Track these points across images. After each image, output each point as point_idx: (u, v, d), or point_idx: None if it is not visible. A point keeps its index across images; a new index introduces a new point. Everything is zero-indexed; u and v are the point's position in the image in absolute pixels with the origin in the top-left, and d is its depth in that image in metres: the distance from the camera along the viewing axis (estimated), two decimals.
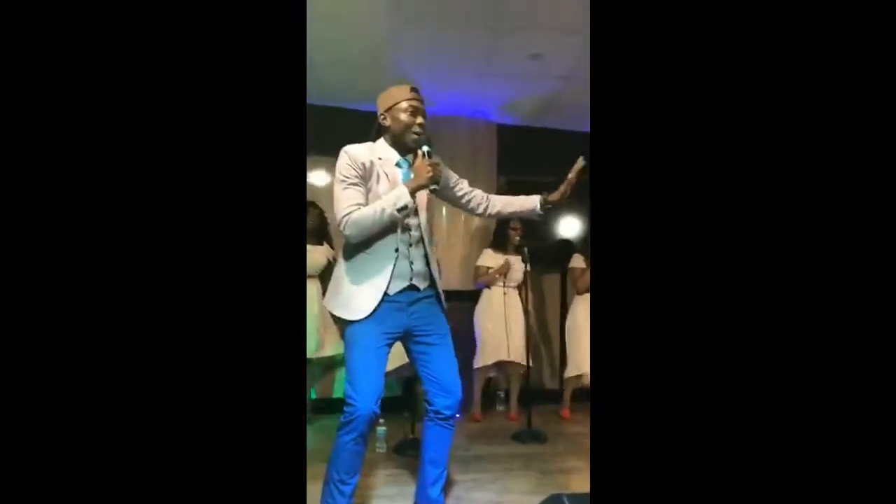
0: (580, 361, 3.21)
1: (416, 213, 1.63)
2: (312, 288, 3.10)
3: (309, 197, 3.34)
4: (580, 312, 3.25)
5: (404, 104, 1.63)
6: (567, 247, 3.62)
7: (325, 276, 3.14)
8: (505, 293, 3.23)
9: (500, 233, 3.32)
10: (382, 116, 1.66)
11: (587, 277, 3.25)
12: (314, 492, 1.56)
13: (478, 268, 3.31)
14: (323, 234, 3.19)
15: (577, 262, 3.32)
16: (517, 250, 3.27)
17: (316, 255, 3.12)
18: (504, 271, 3.21)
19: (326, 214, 3.19)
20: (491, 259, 3.28)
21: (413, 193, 1.56)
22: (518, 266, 3.23)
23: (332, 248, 3.20)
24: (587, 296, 3.27)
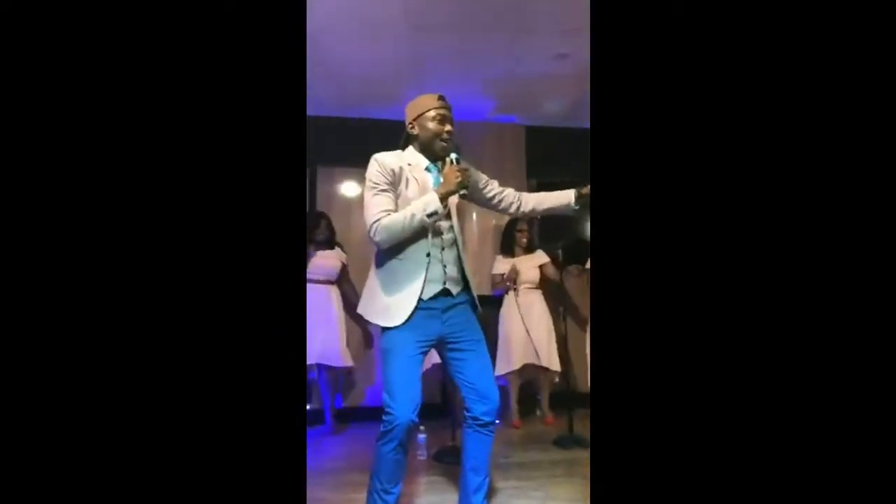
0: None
1: (447, 216, 1.63)
2: (331, 293, 3.13)
3: (336, 206, 3.40)
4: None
5: (432, 112, 1.64)
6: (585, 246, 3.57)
7: (342, 281, 3.18)
8: (518, 297, 3.20)
9: (507, 237, 3.32)
10: (410, 125, 1.67)
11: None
12: (359, 501, 1.57)
13: (493, 276, 3.32)
14: (333, 241, 3.23)
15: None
16: (526, 252, 3.24)
17: (329, 261, 3.15)
18: (512, 277, 3.18)
19: (333, 223, 3.23)
20: (501, 265, 3.28)
21: (443, 199, 1.56)
22: (529, 266, 3.20)
23: (343, 252, 3.23)
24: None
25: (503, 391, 3.16)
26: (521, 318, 3.16)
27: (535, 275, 3.24)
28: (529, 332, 3.15)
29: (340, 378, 3.32)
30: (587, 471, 2.36)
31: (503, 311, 3.28)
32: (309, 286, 3.04)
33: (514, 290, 3.22)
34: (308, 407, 3.32)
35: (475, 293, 1.71)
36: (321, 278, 3.11)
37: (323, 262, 3.11)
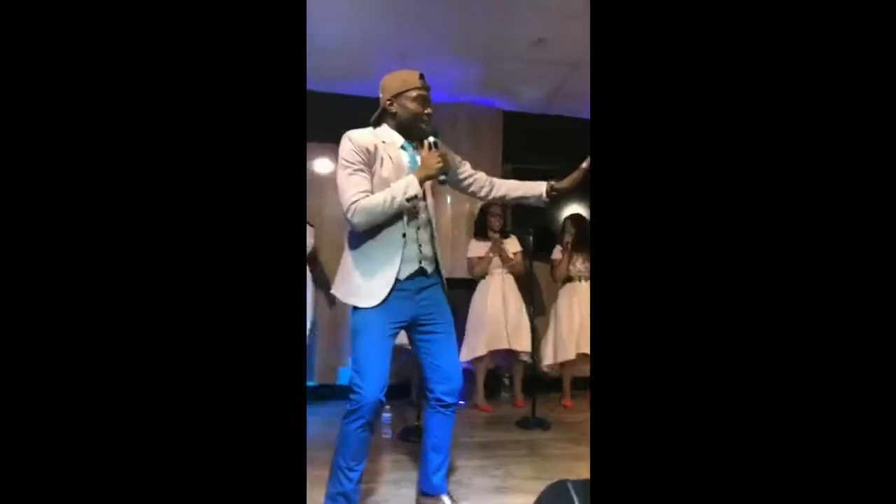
0: (569, 347, 3.24)
1: (423, 197, 1.62)
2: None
3: (310, 182, 3.34)
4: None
5: (414, 93, 1.61)
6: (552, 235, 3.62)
7: (312, 260, 3.15)
8: (503, 280, 3.24)
9: (480, 220, 3.35)
10: (389, 102, 1.64)
11: (563, 268, 3.28)
12: (321, 478, 1.58)
13: (470, 259, 3.32)
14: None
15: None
16: (500, 236, 3.28)
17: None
18: (498, 250, 3.22)
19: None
20: (477, 248, 3.30)
21: (422, 183, 1.55)
22: (508, 249, 3.24)
23: (312, 226, 3.18)
24: (568, 286, 3.31)
25: (469, 374, 3.20)
26: (504, 303, 3.19)
27: (505, 258, 3.27)
28: (506, 315, 3.18)
29: (311, 357, 3.30)
30: (548, 451, 2.44)
31: (478, 294, 3.29)
32: None
33: (502, 270, 3.24)
34: None
35: (443, 274, 1.72)
36: None
37: None
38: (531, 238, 3.16)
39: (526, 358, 3.28)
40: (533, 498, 1.79)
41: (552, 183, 1.76)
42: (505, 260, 3.24)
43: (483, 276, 3.28)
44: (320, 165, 3.65)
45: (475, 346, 3.21)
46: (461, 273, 3.39)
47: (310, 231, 3.15)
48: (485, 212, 3.30)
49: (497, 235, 3.28)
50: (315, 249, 3.17)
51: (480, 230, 3.33)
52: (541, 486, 1.87)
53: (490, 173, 1.88)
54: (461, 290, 3.25)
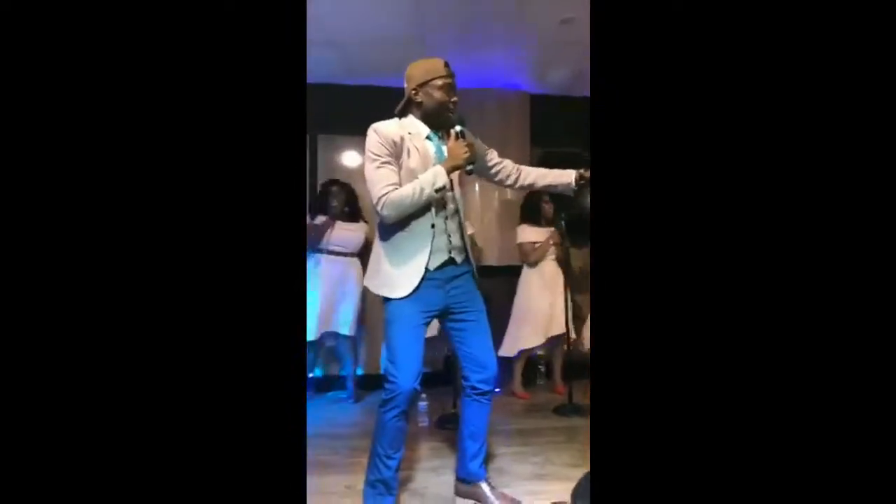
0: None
1: (450, 186, 1.61)
2: (352, 267, 3.15)
3: (339, 176, 3.38)
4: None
5: (439, 81, 1.60)
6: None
7: (365, 254, 3.18)
8: (556, 267, 3.18)
9: (531, 206, 3.25)
10: (414, 91, 1.63)
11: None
12: (361, 465, 1.61)
13: (521, 245, 3.22)
14: (356, 212, 3.22)
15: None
16: (551, 223, 3.22)
17: (352, 233, 3.15)
18: (555, 242, 3.16)
19: (356, 191, 3.21)
20: (532, 234, 3.21)
21: (449, 174, 1.55)
22: (555, 238, 3.19)
23: (366, 222, 3.23)
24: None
25: (507, 361, 3.19)
26: (551, 291, 3.15)
27: (557, 245, 3.23)
28: (553, 305, 3.15)
29: (359, 346, 3.36)
30: (586, 438, 2.41)
31: (524, 283, 3.23)
32: (331, 258, 3.08)
33: (554, 259, 3.18)
34: (332, 374, 3.43)
35: (473, 263, 1.72)
36: (343, 250, 3.12)
37: (345, 234, 3.11)
38: (563, 223, 3.11)
39: (568, 344, 3.22)
40: (572, 484, 1.78)
41: (581, 171, 1.73)
42: (557, 247, 3.20)
43: (537, 263, 3.21)
44: (350, 158, 3.68)
45: (529, 336, 3.16)
46: (491, 261, 3.36)
47: (362, 226, 3.19)
48: (536, 198, 3.21)
49: (547, 221, 3.21)
50: (367, 242, 3.21)
51: (530, 216, 3.24)
52: (580, 472, 1.86)
53: (519, 158, 1.86)
54: (494, 279, 3.24)
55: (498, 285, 3.28)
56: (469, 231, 1.86)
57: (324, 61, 3.22)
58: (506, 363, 3.04)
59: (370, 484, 1.60)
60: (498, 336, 3.05)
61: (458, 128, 1.60)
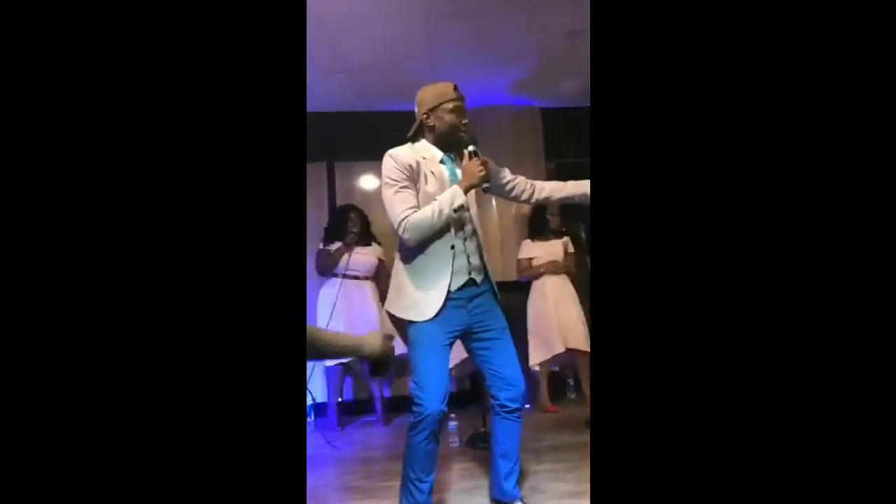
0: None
1: (467, 206, 1.63)
2: (368, 289, 3.18)
3: (356, 200, 3.43)
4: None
5: (449, 105, 1.62)
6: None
7: (378, 276, 3.21)
8: (546, 282, 3.17)
9: (537, 220, 3.25)
10: (425, 116, 1.66)
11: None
12: (394, 489, 1.60)
13: (519, 261, 3.25)
14: (369, 235, 3.24)
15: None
16: (559, 235, 3.20)
17: (366, 257, 3.18)
18: (566, 251, 3.16)
19: (368, 215, 3.25)
20: (534, 249, 3.22)
21: (466, 193, 1.56)
22: (555, 251, 3.17)
23: (379, 245, 3.25)
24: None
25: (533, 376, 3.16)
26: (555, 306, 3.13)
27: (561, 259, 3.21)
28: (560, 319, 3.12)
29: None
30: None
31: (532, 298, 3.24)
32: (347, 282, 3.10)
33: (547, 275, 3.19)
34: (358, 397, 3.45)
35: (493, 281, 1.72)
36: (359, 274, 3.15)
37: (360, 258, 3.14)
38: (583, 235, 3.10)
39: (585, 356, 3.19)
40: None
41: None
42: (567, 257, 3.18)
43: (535, 279, 3.21)
44: (368, 182, 3.73)
45: (546, 349, 3.15)
46: (512, 277, 3.36)
47: (375, 249, 3.22)
48: (541, 212, 3.22)
49: (554, 234, 3.21)
50: (381, 264, 3.24)
51: (536, 230, 3.24)
52: None
53: (533, 172, 1.87)
54: (515, 294, 3.23)
55: (521, 300, 3.27)
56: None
57: (337, 89, 3.29)
58: (531, 378, 3.01)
59: None
60: (521, 351, 3.04)
61: (471, 147, 1.61)
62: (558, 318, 3.13)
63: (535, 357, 3.17)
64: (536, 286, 3.23)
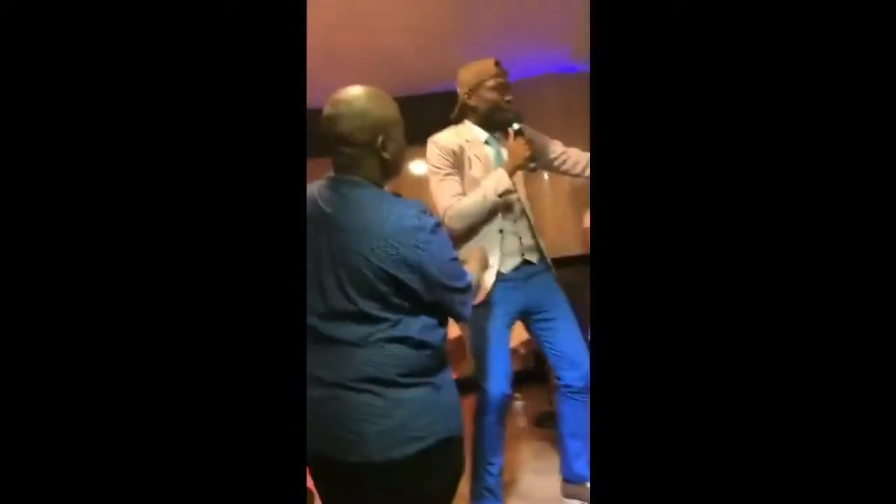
0: None
1: (514, 188, 1.58)
2: None
3: (408, 185, 3.43)
4: None
5: (491, 82, 1.57)
6: None
7: None
8: None
9: None
10: (467, 95, 1.61)
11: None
12: (465, 474, 1.61)
13: (585, 231, 3.13)
14: None
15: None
16: None
17: None
18: None
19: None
20: None
21: (511, 175, 1.51)
22: None
23: None
24: None
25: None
26: None
27: None
28: None
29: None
30: None
31: None
32: None
33: None
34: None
35: (549, 260, 1.67)
36: None
37: None
38: None
39: None
40: None
41: None
42: None
43: None
44: (416, 167, 3.73)
45: None
46: (570, 250, 3.26)
47: None
48: None
49: None
50: None
51: None
52: None
53: (584, 144, 1.78)
54: (577, 267, 3.13)
55: (585, 274, 3.16)
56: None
57: (377, 76, 3.28)
58: None
59: (476, 493, 1.60)
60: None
61: (515, 126, 1.56)
62: None
63: None
64: None
